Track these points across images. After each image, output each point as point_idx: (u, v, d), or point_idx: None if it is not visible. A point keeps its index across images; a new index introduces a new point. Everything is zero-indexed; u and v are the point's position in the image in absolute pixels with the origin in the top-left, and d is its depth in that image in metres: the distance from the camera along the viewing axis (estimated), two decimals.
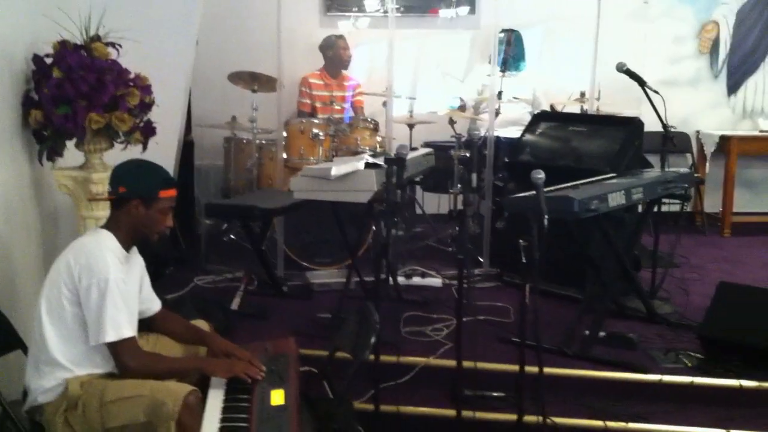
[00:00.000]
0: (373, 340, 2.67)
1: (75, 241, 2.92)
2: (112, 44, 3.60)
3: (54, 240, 3.85)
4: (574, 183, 3.96)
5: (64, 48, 3.46)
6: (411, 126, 6.37)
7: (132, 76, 3.60)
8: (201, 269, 5.45)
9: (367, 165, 4.18)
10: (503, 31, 6.57)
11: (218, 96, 6.43)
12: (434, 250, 6.11)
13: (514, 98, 6.27)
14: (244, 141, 5.98)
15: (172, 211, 2.95)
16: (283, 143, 5.60)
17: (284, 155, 5.57)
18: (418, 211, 6.75)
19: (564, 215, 3.55)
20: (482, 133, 5.38)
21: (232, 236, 6.11)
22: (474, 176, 4.23)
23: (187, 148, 6.06)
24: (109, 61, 3.54)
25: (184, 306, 4.21)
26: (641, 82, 4.58)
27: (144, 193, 2.84)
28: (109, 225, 2.89)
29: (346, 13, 7.20)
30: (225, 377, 2.82)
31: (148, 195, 2.84)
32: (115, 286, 2.70)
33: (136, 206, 2.83)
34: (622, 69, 4.60)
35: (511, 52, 6.56)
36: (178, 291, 4.92)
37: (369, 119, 5.97)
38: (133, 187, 2.84)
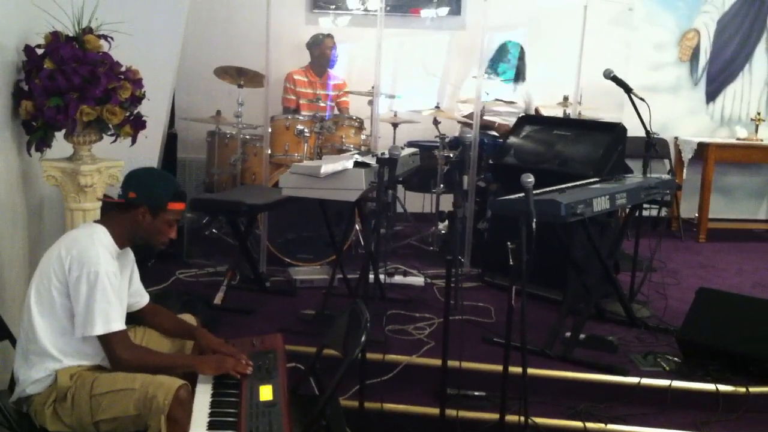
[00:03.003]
0: (363, 338, 2.69)
1: (68, 233, 2.93)
2: (104, 37, 3.58)
3: (40, 231, 3.84)
4: (560, 187, 4.00)
5: (56, 39, 3.44)
6: (395, 125, 6.40)
7: (123, 69, 3.59)
8: (183, 263, 5.46)
9: (356, 164, 4.20)
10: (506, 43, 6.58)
11: (203, 90, 6.45)
12: (416, 248, 6.15)
13: (497, 100, 6.30)
14: (228, 135, 5.98)
15: (177, 223, 2.97)
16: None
17: (269, 151, 5.57)
18: (400, 209, 6.78)
19: (550, 219, 3.59)
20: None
21: (214, 230, 6.11)
22: (465, 178, 4.25)
23: (169, 140, 6.05)
24: (100, 53, 3.53)
25: (168, 300, 4.22)
26: (627, 89, 4.64)
27: (153, 202, 2.86)
28: (107, 222, 2.90)
29: (332, 11, 7.22)
30: (214, 374, 2.84)
31: (157, 205, 2.86)
32: (106, 279, 2.71)
33: (143, 214, 2.86)
34: (609, 76, 4.65)
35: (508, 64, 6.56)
36: (160, 284, 4.92)
37: (354, 117, 6.00)
38: (143, 194, 2.86)
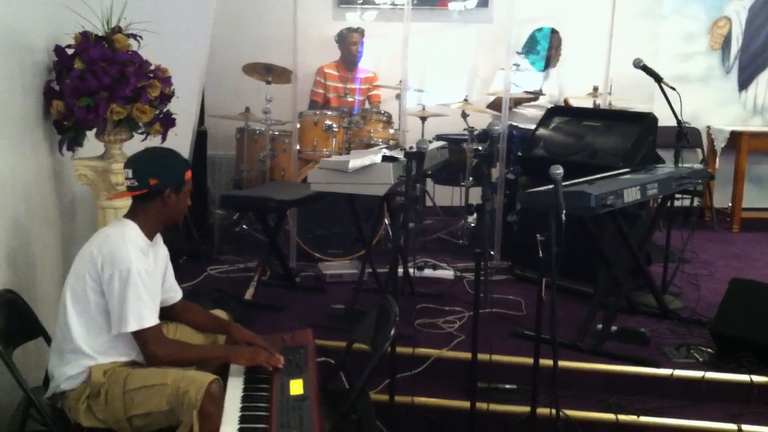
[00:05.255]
0: (392, 332, 2.70)
1: (99, 231, 2.97)
2: (133, 36, 3.62)
3: (72, 230, 3.89)
4: (590, 178, 3.98)
5: (85, 39, 3.48)
6: (423, 119, 6.39)
7: (152, 67, 3.62)
8: (214, 259, 5.50)
9: (384, 158, 4.21)
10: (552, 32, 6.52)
11: (232, 87, 6.49)
12: (445, 242, 6.15)
13: (526, 92, 6.27)
14: (257, 132, 6.00)
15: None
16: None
17: (297, 147, 5.59)
18: (429, 203, 6.78)
19: (580, 210, 3.57)
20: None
21: (244, 227, 6.14)
22: (494, 171, 4.23)
23: (199, 138, 6.10)
24: (129, 52, 3.57)
25: (199, 297, 4.25)
26: (658, 79, 4.59)
27: (175, 181, 2.88)
28: (134, 215, 2.91)
29: (359, 6, 7.23)
30: (248, 365, 2.87)
31: (179, 182, 2.89)
32: (138, 276, 2.74)
33: (169, 195, 2.87)
34: (639, 65, 4.61)
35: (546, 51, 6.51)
36: (191, 281, 4.97)
37: (382, 112, 6.00)
38: (164, 178, 2.87)
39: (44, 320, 3.09)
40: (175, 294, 3.14)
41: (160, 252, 3.02)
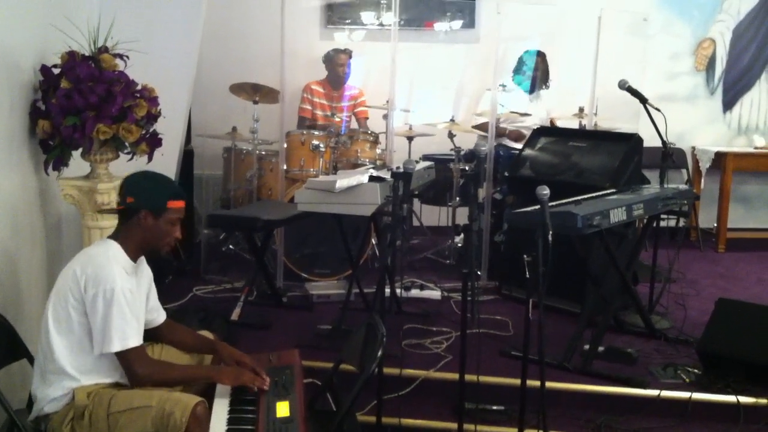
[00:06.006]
0: (380, 353, 2.68)
1: (82, 251, 2.95)
2: (120, 55, 3.62)
3: (58, 250, 3.86)
4: (576, 198, 3.99)
5: (72, 59, 3.47)
6: (410, 138, 6.40)
7: (139, 87, 3.62)
8: (200, 279, 5.48)
9: (371, 178, 4.21)
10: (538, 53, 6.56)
11: (219, 106, 6.46)
12: (432, 262, 6.14)
13: (512, 112, 6.28)
14: (244, 151, 6.00)
15: (180, 222, 2.96)
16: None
17: (284, 166, 5.59)
18: (416, 223, 6.78)
19: (567, 230, 3.58)
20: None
21: (230, 246, 6.12)
22: (481, 191, 4.25)
23: (186, 157, 6.08)
24: (116, 72, 3.56)
25: (186, 317, 4.23)
26: (643, 100, 4.62)
27: (152, 204, 2.85)
28: (117, 235, 2.90)
29: (346, 26, 7.26)
30: (233, 385, 2.85)
31: (157, 206, 2.85)
32: (122, 296, 2.72)
33: (145, 217, 2.84)
34: (624, 86, 4.63)
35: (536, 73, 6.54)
36: (177, 301, 4.94)
37: (369, 131, 6.01)
38: (141, 198, 2.85)
39: (29, 341, 3.06)
40: (159, 315, 3.11)
41: (143, 273, 3.00)
